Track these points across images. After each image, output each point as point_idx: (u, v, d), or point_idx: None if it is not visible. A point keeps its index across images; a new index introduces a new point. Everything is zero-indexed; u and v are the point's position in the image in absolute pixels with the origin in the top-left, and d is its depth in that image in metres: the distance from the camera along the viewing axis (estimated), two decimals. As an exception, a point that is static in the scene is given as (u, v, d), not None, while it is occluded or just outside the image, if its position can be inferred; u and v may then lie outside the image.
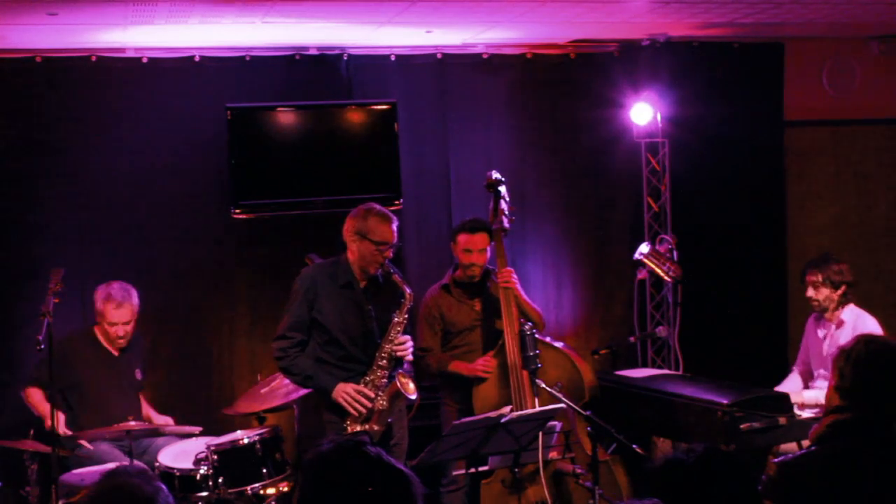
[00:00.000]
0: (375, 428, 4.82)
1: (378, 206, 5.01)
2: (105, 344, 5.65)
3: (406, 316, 4.90)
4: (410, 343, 4.95)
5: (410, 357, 4.97)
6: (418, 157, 6.71)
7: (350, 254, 4.97)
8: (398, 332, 4.88)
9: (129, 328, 5.63)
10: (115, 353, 5.67)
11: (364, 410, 4.79)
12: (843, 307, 5.59)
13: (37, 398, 5.49)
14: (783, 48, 7.27)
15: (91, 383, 5.55)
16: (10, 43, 5.96)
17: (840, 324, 5.57)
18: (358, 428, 4.80)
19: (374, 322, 4.92)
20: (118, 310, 5.57)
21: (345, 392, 4.79)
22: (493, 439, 4.56)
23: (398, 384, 4.81)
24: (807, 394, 5.54)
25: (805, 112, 7.42)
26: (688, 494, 2.54)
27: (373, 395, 4.81)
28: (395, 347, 4.86)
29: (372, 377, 4.85)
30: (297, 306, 4.93)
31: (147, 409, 5.83)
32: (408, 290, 4.91)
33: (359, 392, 4.80)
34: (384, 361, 4.86)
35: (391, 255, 4.93)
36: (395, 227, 4.93)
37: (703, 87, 7.04)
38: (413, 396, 4.91)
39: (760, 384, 5.76)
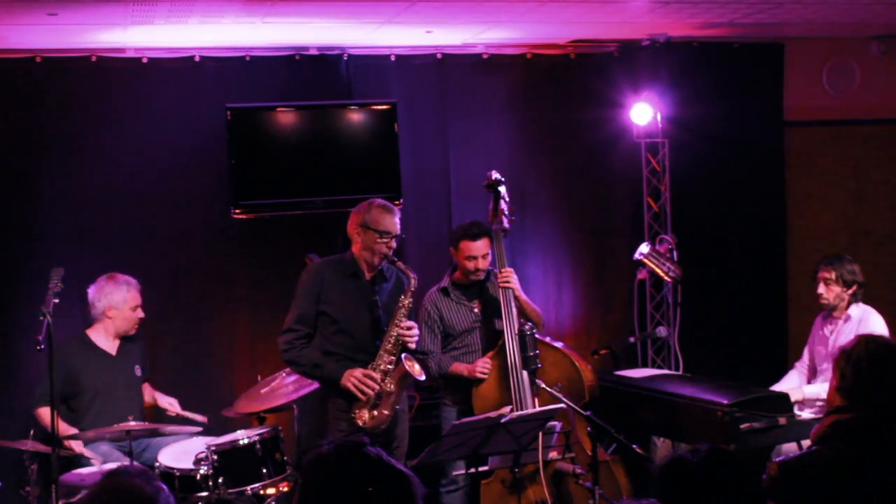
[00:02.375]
0: (385, 412, 4.86)
1: (380, 199, 5.10)
2: (101, 345, 5.64)
3: (410, 300, 4.97)
4: (416, 330, 4.98)
5: (414, 344, 4.98)
6: (418, 157, 6.71)
7: (355, 247, 5.03)
8: (404, 315, 4.94)
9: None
10: (114, 354, 5.67)
11: (372, 394, 4.83)
12: (854, 305, 5.60)
13: (47, 417, 5.45)
14: (783, 48, 7.27)
15: (92, 389, 5.54)
16: (10, 43, 5.96)
17: (847, 318, 5.60)
18: (366, 414, 4.84)
19: (381, 312, 4.98)
20: (138, 293, 5.66)
21: (352, 376, 4.83)
22: (493, 439, 4.56)
23: (405, 366, 4.83)
24: (807, 389, 5.53)
25: (805, 112, 7.42)
26: (694, 494, 2.55)
27: (379, 379, 4.85)
28: (401, 332, 4.90)
29: (378, 362, 4.89)
30: (304, 299, 4.99)
31: (152, 392, 5.84)
32: (412, 275, 4.97)
33: (366, 376, 4.84)
34: (390, 346, 4.91)
35: (394, 245, 4.98)
36: (397, 218, 5.01)
37: (703, 87, 7.04)
38: (421, 377, 4.93)
39: (760, 384, 5.76)
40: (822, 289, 5.63)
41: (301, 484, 2.28)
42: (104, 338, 5.66)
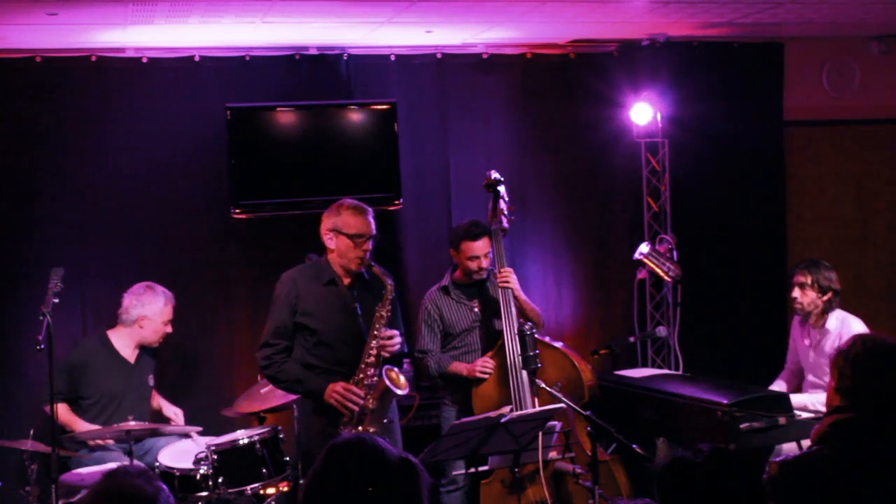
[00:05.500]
0: (371, 430, 4.65)
1: (350, 200, 4.86)
2: (121, 351, 5.66)
3: (389, 308, 4.75)
4: (398, 339, 4.78)
5: (396, 350, 4.79)
6: (418, 157, 6.70)
7: (330, 253, 4.84)
8: (382, 325, 4.73)
9: None
10: (132, 362, 5.68)
11: (356, 409, 4.65)
12: (827, 314, 5.56)
13: (63, 413, 5.45)
14: (783, 48, 7.27)
15: (106, 393, 5.55)
16: (10, 43, 5.97)
17: (825, 332, 5.55)
18: (353, 431, 4.66)
19: (361, 320, 4.78)
20: (172, 308, 5.71)
21: (335, 391, 4.65)
22: (492, 439, 4.55)
23: (386, 381, 4.66)
24: (794, 398, 5.51)
25: (805, 112, 7.42)
26: (696, 494, 2.55)
27: (362, 394, 4.67)
28: (382, 343, 4.71)
29: (361, 376, 4.70)
30: (279, 312, 4.79)
31: (158, 399, 5.85)
32: (389, 282, 4.77)
33: (348, 390, 4.65)
34: (371, 359, 4.71)
35: (370, 247, 4.78)
36: (370, 217, 4.78)
37: (703, 87, 7.04)
38: (402, 391, 4.74)
39: (760, 384, 5.76)
40: (796, 293, 5.58)
41: (311, 472, 2.31)
42: (125, 344, 5.67)
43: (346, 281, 4.84)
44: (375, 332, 4.72)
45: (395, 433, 5.03)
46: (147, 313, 5.63)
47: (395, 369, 4.80)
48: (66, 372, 5.49)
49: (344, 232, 4.75)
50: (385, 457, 2.26)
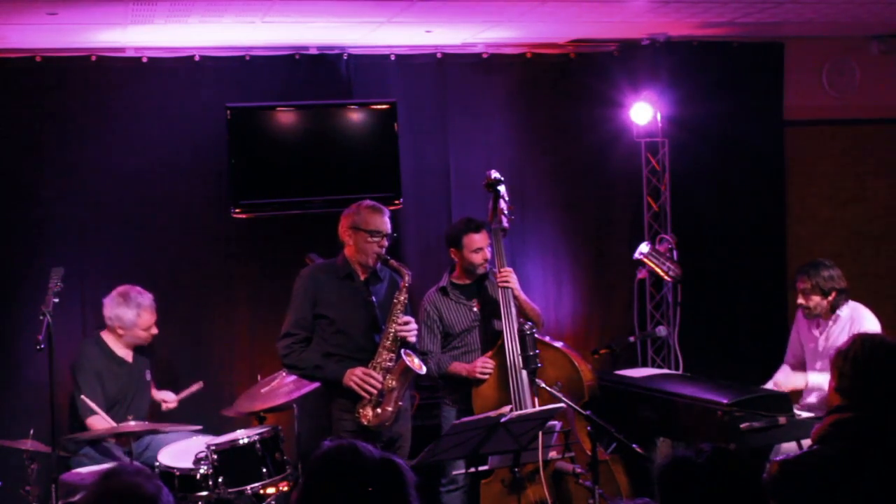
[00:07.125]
0: (389, 409, 4.89)
1: (369, 200, 5.15)
2: (118, 352, 5.64)
3: (406, 296, 5.00)
4: (413, 324, 5.01)
5: (413, 338, 5.00)
6: (418, 157, 6.71)
7: (347, 250, 5.08)
8: (400, 311, 4.96)
9: None
10: (129, 361, 5.66)
11: (374, 392, 4.86)
12: (838, 307, 5.55)
13: (100, 424, 5.39)
14: (783, 48, 7.27)
15: (110, 396, 5.53)
16: (10, 43, 5.97)
17: (836, 318, 5.56)
18: (370, 412, 4.87)
19: (377, 311, 5.01)
20: (154, 315, 5.65)
21: (354, 375, 4.86)
22: (492, 439, 4.56)
23: (405, 361, 4.87)
24: (812, 377, 5.51)
25: (805, 112, 7.42)
26: (696, 494, 2.55)
27: (380, 378, 4.88)
28: (398, 328, 4.93)
29: (379, 360, 4.92)
30: (300, 304, 5.03)
31: (153, 392, 5.84)
32: (406, 271, 5.01)
33: (367, 374, 4.87)
34: (389, 342, 4.94)
35: (386, 244, 5.02)
36: (387, 217, 5.06)
37: (703, 86, 7.03)
38: (422, 371, 4.98)
39: (760, 384, 5.76)
40: (801, 300, 5.59)
41: (298, 487, 2.32)
42: (119, 345, 5.66)
43: (363, 276, 5.08)
44: (393, 318, 4.95)
45: (407, 420, 5.16)
46: (121, 323, 5.58)
47: (412, 353, 4.97)
48: (90, 377, 5.47)
49: (362, 228, 5.01)
50: (364, 459, 2.28)
